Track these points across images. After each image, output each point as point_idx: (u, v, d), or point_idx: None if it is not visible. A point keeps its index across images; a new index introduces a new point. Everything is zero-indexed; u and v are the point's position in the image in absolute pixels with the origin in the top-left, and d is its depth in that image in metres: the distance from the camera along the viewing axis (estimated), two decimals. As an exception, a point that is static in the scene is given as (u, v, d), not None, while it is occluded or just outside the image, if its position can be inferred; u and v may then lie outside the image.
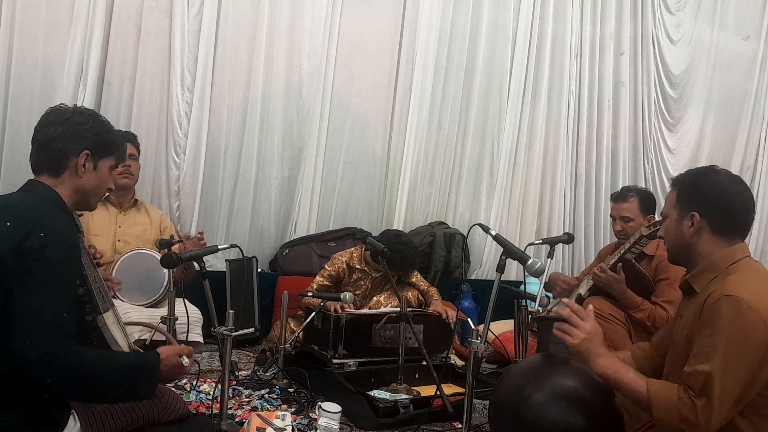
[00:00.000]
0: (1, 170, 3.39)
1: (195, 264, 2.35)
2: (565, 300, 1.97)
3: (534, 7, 4.63)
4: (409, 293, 3.50)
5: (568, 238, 3.12)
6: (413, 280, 3.61)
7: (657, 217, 3.03)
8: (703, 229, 1.77)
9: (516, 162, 4.71)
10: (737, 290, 1.60)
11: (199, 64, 3.74)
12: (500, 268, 2.17)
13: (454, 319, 3.30)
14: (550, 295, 3.25)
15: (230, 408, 2.47)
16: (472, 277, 4.54)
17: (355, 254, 3.51)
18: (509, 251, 2.19)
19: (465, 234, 4.33)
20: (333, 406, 2.28)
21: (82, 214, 1.82)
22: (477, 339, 2.09)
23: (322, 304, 3.09)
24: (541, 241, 3.29)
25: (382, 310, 3.29)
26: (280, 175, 4.09)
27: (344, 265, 3.47)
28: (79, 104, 3.39)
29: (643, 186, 4.53)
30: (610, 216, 3.24)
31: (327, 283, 3.45)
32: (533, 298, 2.90)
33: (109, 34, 3.55)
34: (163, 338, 2.02)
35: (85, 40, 3.49)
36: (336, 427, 2.24)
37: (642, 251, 2.95)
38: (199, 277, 2.31)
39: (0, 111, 3.39)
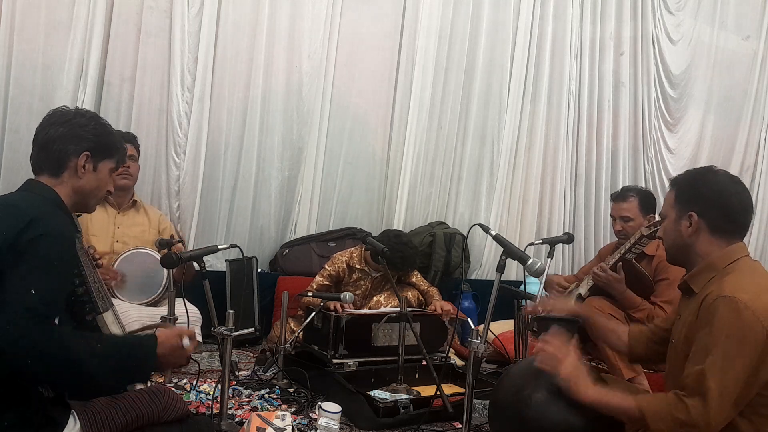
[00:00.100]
0: (1, 170, 3.39)
1: (195, 264, 2.35)
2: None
3: (534, 7, 4.63)
4: (409, 293, 3.50)
5: (568, 238, 3.12)
6: (413, 280, 3.61)
7: (657, 217, 3.03)
8: (701, 229, 1.77)
9: (516, 162, 4.71)
10: (734, 290, 1.61)
11: (199, 64, 3.73)
12: (500, 268, 2.18)
13: (451, 314, 3.31)
14: (550, 295, 3.25)
15: (230, 408, 2.47)
16: (472, 277, 4.54)
17: (355, 254, 3.51)
18: (509, 251, 2.19)
19: (465, 234, 4.33)
20: (333, 406, 2.28)
21: (80, 215, 1.83)
22: (477, 339, 2.10)
23: (322, 304, 3.09)
24: (541, 241, 3.29)
25: (382, 310, 3.29)
26: (280, 175, 4.09)
27: (344, 265, 3.47)
28: (79, 104, 3.44)
29: (643, 186, 4.53)
30: (610, 216, 3.25)
31: (327, 282, 3.45)
32: (533, 298, 2.90)
33: (109, 34, 3.55)
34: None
35: (85, 40, 3.48)
36: (336, 427, 2.24)
37: (642, 251, 2.96)
38: (199, 277, 2.31)
39: (0, 111, 3.39)
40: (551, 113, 4.75)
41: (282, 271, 4.01)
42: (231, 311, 2.30)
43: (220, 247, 2.48)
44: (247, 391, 2.79)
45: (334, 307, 3.12)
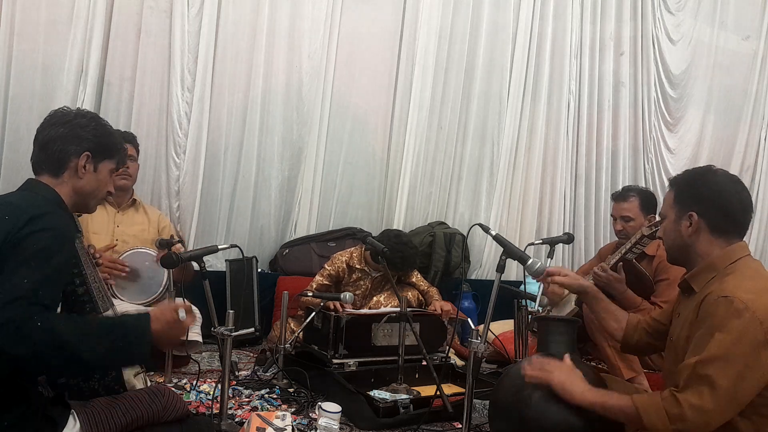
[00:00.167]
0: (1, 170, 3.39)
1: (195, 264, 2.35)
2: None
3: (534, 7, 4.63)
4: (409, 293, 3.50)
5: (568, 238, 3.12)
6: (413, 280, 3.61)
7: (658, 217, 3.03)
8: (701, 229, 1.77)
9: (516, 162, 4.71)
10: (734, 291, 1.61)
11: (199, 64, 3.74)
12: (500, 268, 2.18)
13: (450, 314, 3.31)
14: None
15: (230, 408, 2.47)
16: (472, 277, 4.54)
17: (355, 254, 3.51)
18: (509, 251, 2.19)
19: (465, 234, 4.33)
20: (333, 406, 2.28)
21: (80, 215, 1.83)
22: (477, 339, 2.10)
23: (322, 304, 3.09)
24: (541, 241, 3.29)
25: (382, 310, 3.29)
26: (280, 175, 4.09)
27: (344, 265, 3.47)
28: (78, 104, 3.44)
29: (644, 186, 4.53)
30: (611, 215, 3.25)
31: (327, 282, 3.45)
32: (533, 298, 2.90)
33: (109, 34, 3.55)
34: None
35: (85, 40, 3.49)
36: (336, 427, 2.24)
37: (643, 251, 2.95)
38: (199, 277, 2.31)
39: (0, 111, 3.39)
40: (551, 113, 4.75)
41: (282, 271, 4.01)
42: (231, 311, 2.30)
43: (220, 247, 2.48)
44: (247, 391, 2.79)
45: (334, 307, 3.12)
